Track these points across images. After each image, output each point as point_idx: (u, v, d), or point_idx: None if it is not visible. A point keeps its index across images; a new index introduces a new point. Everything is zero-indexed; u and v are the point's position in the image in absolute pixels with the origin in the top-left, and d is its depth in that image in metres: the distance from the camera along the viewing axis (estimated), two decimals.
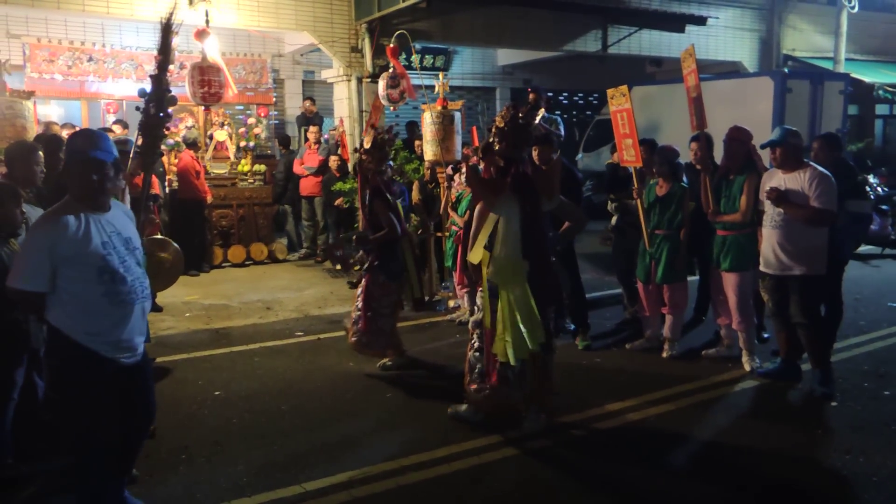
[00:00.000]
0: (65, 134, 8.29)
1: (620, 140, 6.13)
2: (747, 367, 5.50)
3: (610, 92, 6.16)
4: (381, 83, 8.98)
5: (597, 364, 5.79)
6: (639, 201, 5.92)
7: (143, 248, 4.18)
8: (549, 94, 16.70)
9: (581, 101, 18.57)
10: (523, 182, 4.27)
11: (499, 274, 4.23)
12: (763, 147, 5.14)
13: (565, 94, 18.26)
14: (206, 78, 8.22)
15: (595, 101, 18.02)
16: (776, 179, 5.01)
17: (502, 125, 4.30)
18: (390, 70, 9.04)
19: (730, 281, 5.54)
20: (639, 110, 5.94)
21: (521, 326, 4.13)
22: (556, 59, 15.11)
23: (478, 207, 4.44)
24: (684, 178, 5.90)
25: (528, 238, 4.24)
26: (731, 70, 13.97)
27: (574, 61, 15.37)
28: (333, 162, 9.73)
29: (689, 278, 6.03)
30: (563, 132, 8.24)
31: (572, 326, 6.39)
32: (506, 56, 15.95)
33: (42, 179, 4.37)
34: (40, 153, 4.35)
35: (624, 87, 5.98)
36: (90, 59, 10.58)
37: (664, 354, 5.87)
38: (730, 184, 5.52)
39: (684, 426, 4.55)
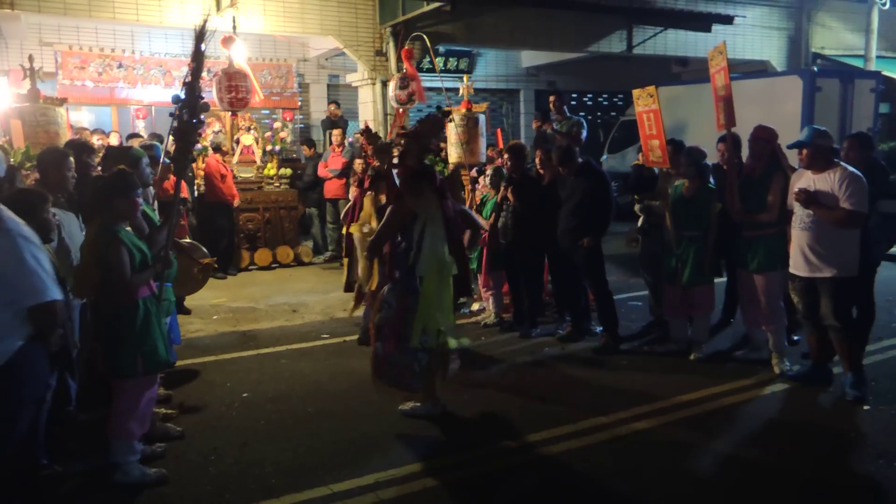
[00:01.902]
0: (96, 139, 8.47)
1: (646, 141, 6.08)
2: (776, 370, 5.42)
3: (636, 92, 6.12)
4: (392, 84, 9.02)
5: (623, 367, 5.75)
6: (665, 203, 5.87)
7: (173, 252, 4.28)
8: (573, 95, 16.68)
9: (605, 103, 18.46)
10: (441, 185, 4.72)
11: (425, 267, 4.52)
12: (790, 147, 5.07)
13: (590, 96, 18.18)
14: (234, 84, 8.33)
15: (620, 102, 17.90)
16: (805, 180, 4.93)
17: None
18: (402, 71, 9.08)
19: (758, 282, 5.47)
20: (665, 111, 5.89)
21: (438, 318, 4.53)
22: (581, 60, 15.04)
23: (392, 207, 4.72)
24: (711, 179, 5.85)
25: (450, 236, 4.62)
26: (758, 69, 13.81)
27: (598, 62, 15.30)
28: (358, 165, 9.77)
29: (717, 280, 5.96)
30: (585, 134, 8.22)
31: (599, 329, 6.36)
32: (530, 58, 15.93)
33: (73, 185, 4.47)
34: (72, 159, 4.44)
35: (651, 88, 5.93)
36: (120, 66, 10.76)
37: (691, 357, 5.81)
38: (755, 183, 5.45)
39: (713, 430, 4.50)
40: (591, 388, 5.21)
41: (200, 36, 3.92)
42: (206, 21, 3.93)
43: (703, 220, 5.71)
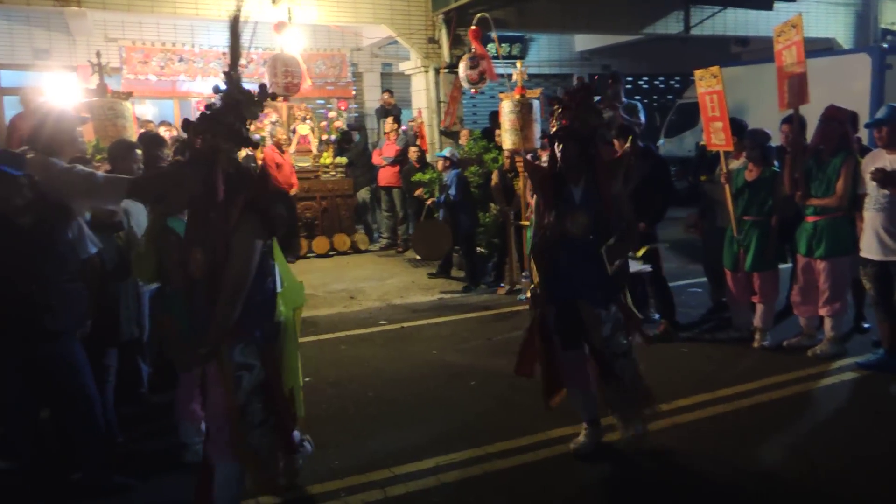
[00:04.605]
0: (163, 132, 8.73)
1: (708, 123, 5.95)
2: (811, 353, 5.41)
3: (698, 73, 5.99)
4: (462, 65, 9.03)
5: (683, 354, 5.67)
6: (726, 186, 5.74)
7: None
8: (629, 78, 16.36)
9: (662, 85, 18.07)
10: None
11: None
12: (868, 126, 4.91)
13: (645, 79, 17.81)
14: (289, 69, 8.50)
15: (677, 85, 17.50)
16: (881, 160, 4.79)
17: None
18: (471, 51, 9.07)
19: (824, 269, 5.31)
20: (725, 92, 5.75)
21: None
22: (636, 43, 14.74)
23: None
24: (775, 162, 5.69)
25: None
26: (823, 48, 13.29)
27: (654, 44, 14.97)
28: (413, 153, 9.85)
29: (781, 266, 5.81)
30: (643, 118, 8.08)
31: (657, 316, 6.28)
32: (583, 41, 15.69)
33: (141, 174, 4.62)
34: (139, 151, 4.60)
35: (715, 69, 5.80)
36: (181, 60, 11.06)
37: (755, 345, 5.69)
38: (823, 166, 5.29)
39: (778, 419, 4.40)
40: (650, 375, 5.09)
41: (235, 25, 3.95)
42: (239, 10, 3.94)
43: (767, 204, 5.56)
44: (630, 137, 5.29)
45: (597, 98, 4.00)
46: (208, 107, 3.08)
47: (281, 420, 3.14)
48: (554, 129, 3.79)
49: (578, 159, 3.74)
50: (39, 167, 3.59)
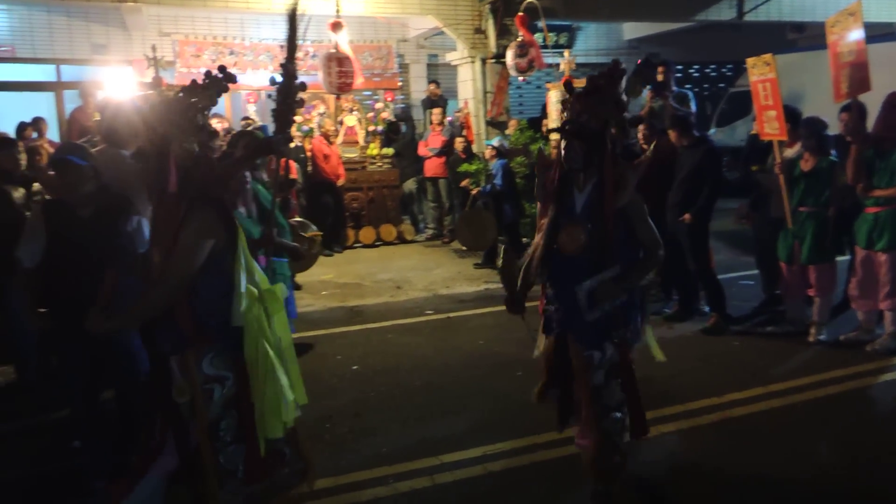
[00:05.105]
0: (215, 123, 8.91)
1: (761, 112, 5.81)
2: (869, 348, 5.25)
3: (750, 61, 5.84)
4: (510, 53, 8.98)
5: (735, 348, 5.56)
6: (781, 177, 5.60)
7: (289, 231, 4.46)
8: (679, 67, 16.03)
9: (713, 74, 17.66)
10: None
11: None
12: None
13: (696, 67, 17.43)
14: (343, 69, 8.61)
15: (729, 73, 17.08)
16: None
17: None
18: (519, 39, 9.02)
19: (885, 261, 5.16)
20: (779, 80, 5.60)
21: None
22: (686, 30, 14.42)
23: None
24: (833, 152, 5.52)
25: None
26: (884, 33, 12.80)
27: (705, 31, 14.61)
28: (459, 143, 9.85)
29: (838, 259, 5.65)
30: (694, 108, 7.93)
31: (707, 309, 6.17)
32: (632, 29, 15.42)
33: None
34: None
35: (768, 56, 5.65)
36: (231, 53, 11.22)
37: (810, 339, 5.54)
38: (885, 155, 5.12)
39: (834, 415, 4.30)
40: (701, 368, 5.07)
41: (293, 18, 4.01)
42: (297, 3, 4.00)
43: (824, 194, 5.41)
44: (684, 128, 5.19)
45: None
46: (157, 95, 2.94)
47: (251, 437, 2.76)
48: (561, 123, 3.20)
49: (584, 161, 3.08)
50: (108, 159, 3.71)
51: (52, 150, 5.62)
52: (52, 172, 3.83)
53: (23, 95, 11.59)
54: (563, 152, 3.14)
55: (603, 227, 3.04)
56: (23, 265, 3.59)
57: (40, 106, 10.17)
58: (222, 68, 2.88)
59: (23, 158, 5.92)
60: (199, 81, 2.83)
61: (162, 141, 2.69)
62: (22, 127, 9.41)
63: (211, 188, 2.76)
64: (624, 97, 3.15)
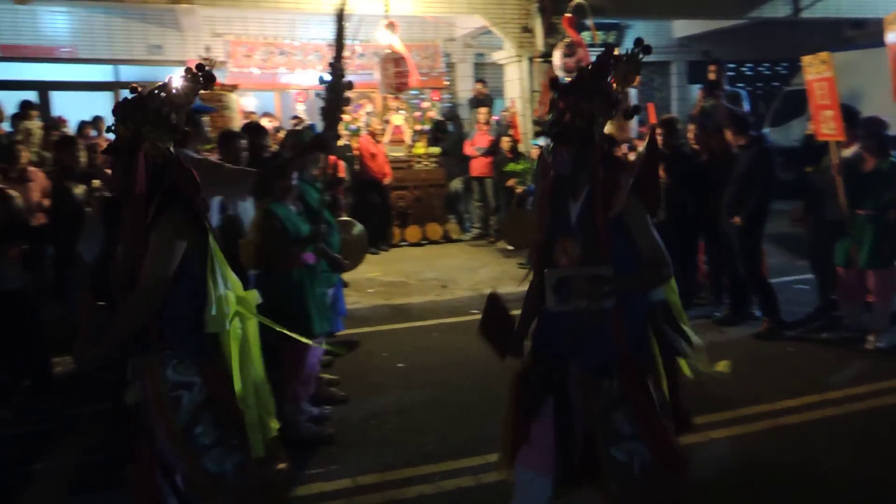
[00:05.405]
0: (266, 122, 9.09)
1: (817, 112, 5.65)
2: None
3: (806, 59, 5.69)
4: (557, 53, 8.93)
5: (789, 354, 5.43)
6: (838, 178, 5.44)
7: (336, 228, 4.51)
8: (731, 65, 15.70)
9: (767, 72, 17.23)
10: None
11: None
12: None
13: (749, 65, 17.02)
14: (400, 70, 8.71)
15: (783, 72, 16.64)
16: None
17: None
18: (566, 40, 8.96)
19: None
20: (837, 79, 5.44)
21: None
22: (739, 28, 14.10)
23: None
24: (893, 153, 5.34)
25: None
26: None
27: (759, 29, 14.26)
28: (506, 143, 9.83)
29: None
30: (748, 107, 7.75)
31: (758, 313, 6.03)
32: (682, 27, 15.14)
33: (247, 163, 4.83)
34: (244, 140, 4.81)
35: (824, 54, 5.50)
36: (281, 53, 11.42)
37: (868, 346, 5.37)
38: None
39: (892, 426, 4.15)
40: (753, 374, 4.95)
41: (340, 17, 4.05)
42: (345, 4, 4.04)
43: (884, 197, 5.24)
44: (741, 128, 5.07)
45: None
46: (133, 90, 2.68)
47: (243, 438, 2.66)
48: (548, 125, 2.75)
49: (574, 165, 2.64)
50: None
51: None
52: (109, 170, 3.95)
53: (83, 95, 12.00)
54: (552, 158, 2.72)
55: (596, 240, 2.62)
56: (83, 259, 3.71)
57: (99, 105, 10.48)
58: (200, 66, 2.73)
59: (83, 156, 6.14)
60: (181, 77, 2.67)
61: (133, 139, 2.56)
62: (82, 125, 9.74)
63: (184, 189, 2.60)
64: (620, 88, 2.78)
